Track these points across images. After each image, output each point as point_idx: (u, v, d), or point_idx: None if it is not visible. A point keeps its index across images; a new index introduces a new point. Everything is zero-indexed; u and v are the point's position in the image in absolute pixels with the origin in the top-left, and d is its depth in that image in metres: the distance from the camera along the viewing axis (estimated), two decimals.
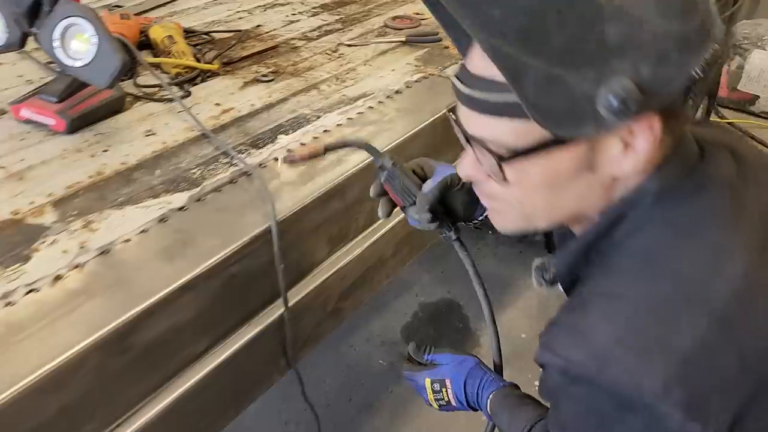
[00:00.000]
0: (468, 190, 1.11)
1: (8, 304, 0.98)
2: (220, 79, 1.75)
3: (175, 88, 1.62)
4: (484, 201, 0.88)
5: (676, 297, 0.70)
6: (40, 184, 1.27)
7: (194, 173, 1.33)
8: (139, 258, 1.09)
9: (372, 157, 1.09)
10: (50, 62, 1.74)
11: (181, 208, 1.21)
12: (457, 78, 0.76)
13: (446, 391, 1.20)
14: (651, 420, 0.67)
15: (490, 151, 0.75)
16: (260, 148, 1.42)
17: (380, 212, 1.14)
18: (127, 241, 1.12)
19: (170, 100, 1.59)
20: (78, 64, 1.33)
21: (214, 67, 1.76)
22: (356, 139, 1.16)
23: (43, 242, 1.11)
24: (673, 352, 0.67)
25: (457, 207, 1.12)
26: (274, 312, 1.25)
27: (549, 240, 1.08)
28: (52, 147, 1.39)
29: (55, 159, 1.35)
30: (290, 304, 1.24)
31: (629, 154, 0.72)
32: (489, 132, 0.75)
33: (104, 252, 1.09)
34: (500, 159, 0.75)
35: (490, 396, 1.13)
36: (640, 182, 0.75)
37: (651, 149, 0.71)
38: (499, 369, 1.20)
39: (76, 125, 1.44)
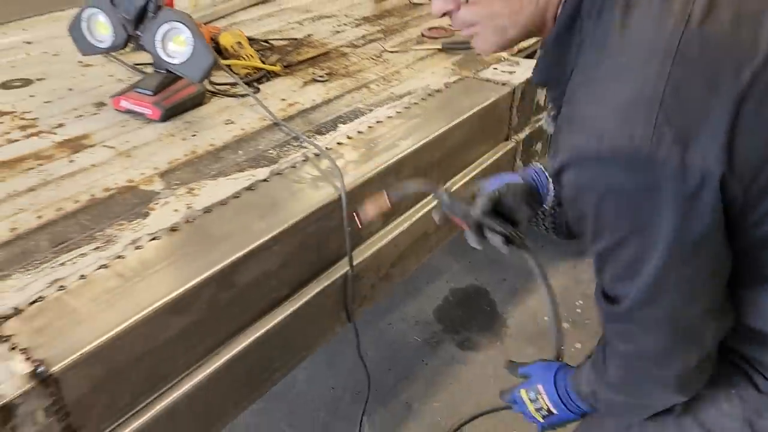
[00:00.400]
0: (521, 191, 1.25)
1: (137, 247, 1.20)
2: (282, 79, 1.99)
3: (246, 86, 1.86)
4: (464, 32, 1.00)
5: (637, 58, 0.79)
6: (145, 160, 1.50)
7: (271, 153, 1.56)
8: (236, 216, 1.32)
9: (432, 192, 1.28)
10: (137, 64, 2.00)
11: (264, 180, 1.44)
12: None
13: (542, 397, 1.22)
14: (657, 171, 0.75)
15: (436, 10, 0.93)
16: (324, 134, 1.65)
17: (472, 242, 1.29)
18: (224, 203, 1.35)
19: (243, 96, 1.83)
20: (176, 61, 1.58)
21: (277, 68, 2.00)
22: (414, 183, 1.34)
23: (157, 203, 1.34)
24: (651, 101, 0.75)
25: (515, 208, 1.25)
26: (340, 270, 1.47)
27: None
28: (150, 132, 1.63)
29: (153, 141, 1.59)
30: (353, 263, 1.46)
31: None
32: None
33: (207, 211, 1.32)
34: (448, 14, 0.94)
35: (569, 378, 1.18)
36: None
37: None
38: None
39: (169, 114, 1.68)
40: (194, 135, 1.63)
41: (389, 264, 1.65)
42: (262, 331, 1.31)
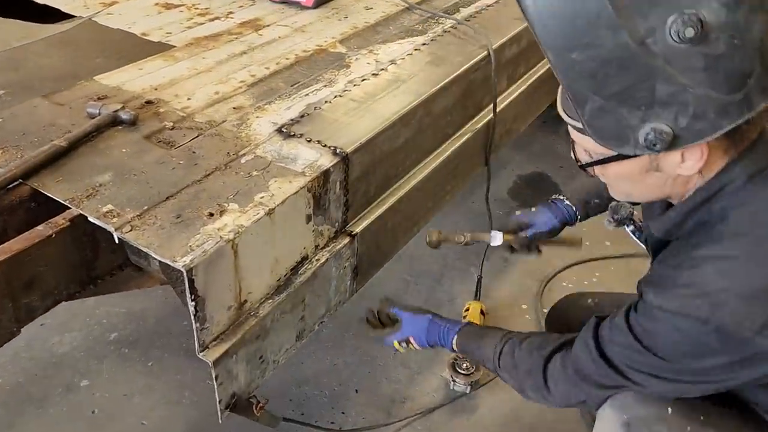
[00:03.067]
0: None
1: (355, 85, 1.51)
2: None
3: None
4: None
5: None
6: (319, 33, 1.79)
7: (417, 27, 1.86)
8: (417, 66, 1.63)
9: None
10: None
11: (424, 44, 1.75)
12: (559, 101, 0.99)
13: (411, 344, 1.43)
14: (741, 348, 0.89)
15: (575, 154, 1.03)
16: (451, 14, 1.95)
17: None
18: (402, 59, 1.66)
19: None
20: None
21: None
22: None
23: (350, 60, 1.64)
24: None
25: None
26: (486, 117, 1.79)
27: None
28: (308, 16, 1.92)
29: (316, 22, 1.88)
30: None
31: (685, 164, 0.90)
32: (579, 139, 0.99)
33: (393, 62, 1.63)
34: (581, 166, 1.02)
35: (454, 340, 1.36)
36: (724, 169, 0.91)
37: (699, 165, 0.89)
38: None
39: (320, 2, 1.96)
40: (346, 17, 1.92)
41: (511, 120, 1.97)
42: (440, 159, 1.63)
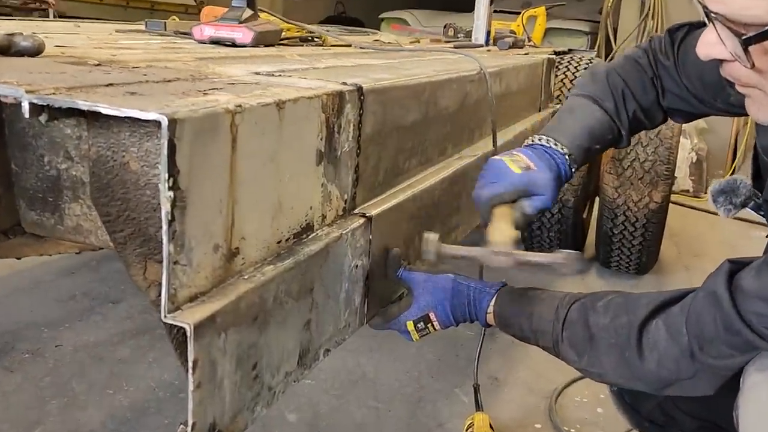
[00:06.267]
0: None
1: (342, 65, 1.27)
2: None
3: None
4: (739, 88, 0.80)
5: None
6: (266, 53, 1.57)
7: (389, 55, 1.70)
8: (409, 64, 1.43)
9: None
10: None
11: (403, 59, 1.57)
12: None
13: (432, 324, 1.09)
14: None
15: (733, 31, 0.69)
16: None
17: None
18: (388, 64, 1.46)
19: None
20: None
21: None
22: None
23: (321, 59, 1.42)
24: None
25: None
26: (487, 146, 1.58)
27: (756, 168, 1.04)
28: (249, 50, 1.69)
29: (258, 52, 1.66)
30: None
31: None
32: (736, 6, 0.68)
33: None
34: (746, 42, 0.68)
35: (490, 307, 1.07)
36: None
37: None
38: None
39: (259, 42, 1.76)
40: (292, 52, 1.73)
41: None
42: (444, 173, 1.36)
